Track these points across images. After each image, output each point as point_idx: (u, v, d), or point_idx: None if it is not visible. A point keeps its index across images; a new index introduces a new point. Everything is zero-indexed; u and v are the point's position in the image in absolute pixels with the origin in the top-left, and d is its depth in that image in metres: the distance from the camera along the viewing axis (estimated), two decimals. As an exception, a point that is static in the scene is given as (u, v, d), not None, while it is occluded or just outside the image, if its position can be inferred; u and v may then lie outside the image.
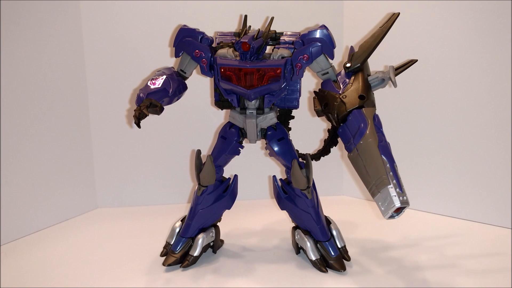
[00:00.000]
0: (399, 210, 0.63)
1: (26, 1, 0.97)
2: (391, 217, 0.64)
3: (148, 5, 1.13)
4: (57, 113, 1.07)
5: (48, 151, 1.05)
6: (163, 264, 0.79)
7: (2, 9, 0.92)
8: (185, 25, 0.78)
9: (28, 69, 0.99)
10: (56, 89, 1.06)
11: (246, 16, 0.79)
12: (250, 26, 0.79)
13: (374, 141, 0.65)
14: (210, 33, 0.80)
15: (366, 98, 0.69)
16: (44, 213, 1.04)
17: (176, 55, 0.78)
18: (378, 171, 0.64)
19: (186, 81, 0.80)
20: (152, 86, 0.73)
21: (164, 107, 0.73)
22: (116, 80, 1.15)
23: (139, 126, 0.70)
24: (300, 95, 0.81)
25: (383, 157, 0.65)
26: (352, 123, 0.68)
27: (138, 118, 0.69)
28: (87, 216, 1.13)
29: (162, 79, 0.74)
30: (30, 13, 0.99)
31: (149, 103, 0.70)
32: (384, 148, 0.65)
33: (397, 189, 0.62)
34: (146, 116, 0.69)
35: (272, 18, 0.76)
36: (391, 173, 0.63)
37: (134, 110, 0.70)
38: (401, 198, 0.62)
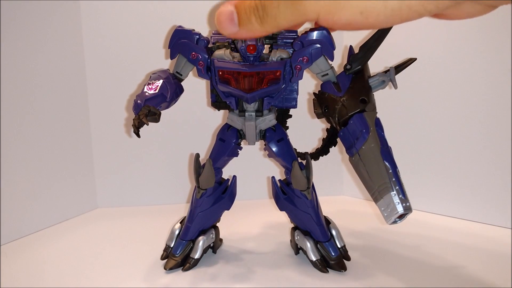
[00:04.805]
0: (402, 216, 0.63)
1: (26, 1, 0.97)
2: (394, 222, 0.64)
3: (149, 5, 1.12)
4: (57, 113, 1.07)
5: (48, 151, 1.05)
6: (165, 268, 0.79)
7: (2, 9, 0.92)
8: (180, 26, 0.76)
9: (28, 69, 0.99)
10: (56, 89, 1.06)
11: None
12: None
13: (376, 147, 0.65)
14: (205, 33, 0.79)
15: (367, 101, 0.69)
16: (44, 213, 1.04)
17: (172, 57, 0.76)
18: (381, 177, 0.63)
19: (182, 82, 0.79)
20: (149, 92, 0.71)
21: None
22: (116, 80, 1.15)
23: (138, 135, 0.69)
24: (297, 94, 0.81)
25: (386, 162, 0.64)
26: (353, 127, 0.68)
27: (138, 127, 0.68)
28: (87, 216, 1.14)
29: (158, 83, 0.73)
30: (30, 13, 0.99)
31: (147, 110, 0.68)
32: (386, 153, 0.65)
33: (400, 195, 0.62)
34: (145, 124, 0.68)
35: None
36: (393, 179, 0.63)
37: (133, 120, 0.69)
38: (404, 204, 0.62)
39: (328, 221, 0.83)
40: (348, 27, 0.37)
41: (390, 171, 0.64)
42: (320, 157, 0.88)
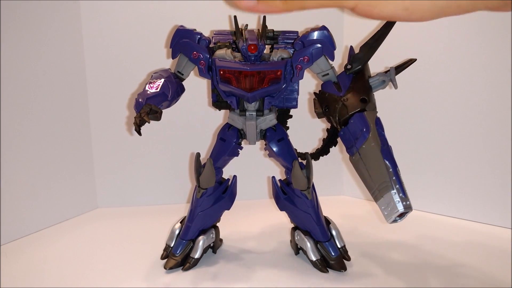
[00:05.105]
0: (402, 215, 0.64)
1: (26, 1, 0.97)
2: (394, 221, 0.64)
3: (149, 5, 1.12)
4: (57, 113, 1.07)
5: (48, 151, 1.05)
6: (165, 268, 0.79)
7: (2, 9, 0.92)
8: (181, 26, 0.76)
9: (28, 69, 0.99)
10: (56, 89, 1.06)
11: (235, 16, 0.75)
12: (247, 25, 0.78)
13: (376, 146, 0.65)
14: (206, 32, 0.79)
15: (367, 101, 0.69)
16: (44, 213, 1.04)
17: (173, 57, 0.76)
18: (381, 175, 0.64)
19: (183, 82, 0.79)
20: (150, 90, 0.72)
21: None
22: (116, 80, 1.15)
23: (139, 133, 0.70)
24: (298, 94, 0.81)
25: (386, 161, 0.64)
26: (354, 127, 0.68)
27: (139, 125, 0.68)
28: (87, 216, 1.13)
29: (160, 82, 0.73)
30: (30, 13, 0.99)
31: (149, 109, 0.69)
32: (387, 152, 0.65)
33: (401, 194, 0.62)
34: (146, 122, 0.68)
35: (264, 17, 0.73)
36: (394, 177, 0.63)
37: (135, 118, 0.69)
38: (404, 203, 0.62)
39: (328, 221, 0.83)
40: (387, 20, 0.36)
41: (391, 170, 0.64)
42: (321, 157, 0.88)
